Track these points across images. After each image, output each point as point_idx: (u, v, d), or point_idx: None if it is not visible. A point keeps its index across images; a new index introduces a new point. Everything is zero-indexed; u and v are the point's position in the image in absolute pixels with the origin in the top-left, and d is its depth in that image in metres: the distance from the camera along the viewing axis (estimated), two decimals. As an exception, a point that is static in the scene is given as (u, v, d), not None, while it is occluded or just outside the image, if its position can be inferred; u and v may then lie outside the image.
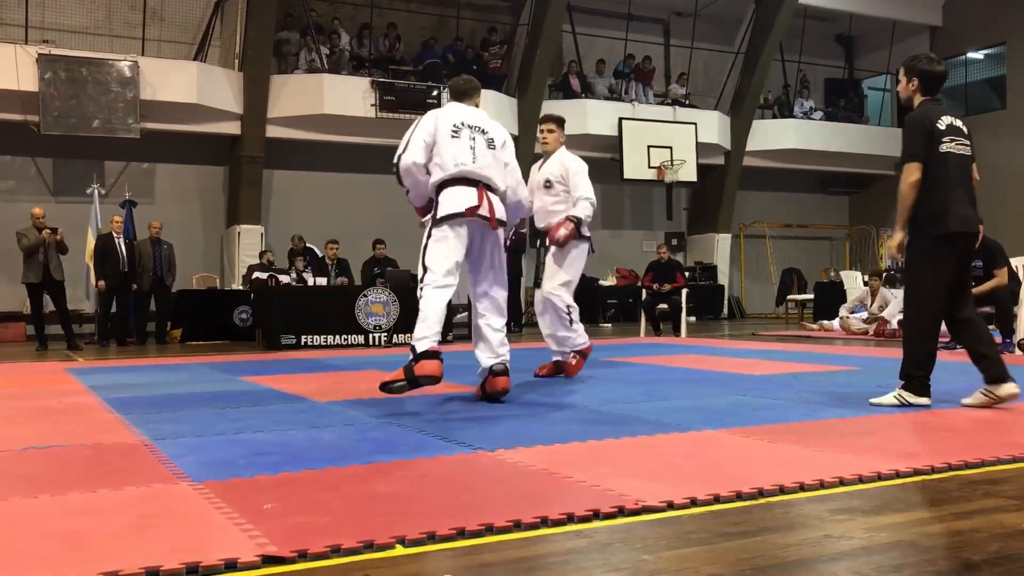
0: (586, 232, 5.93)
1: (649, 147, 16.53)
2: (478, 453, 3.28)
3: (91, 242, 12.07)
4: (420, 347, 4.28)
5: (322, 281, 11.27)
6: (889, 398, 4.36)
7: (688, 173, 16.85)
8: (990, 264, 8.04)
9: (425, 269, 4.49)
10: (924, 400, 4.30)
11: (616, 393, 5.12)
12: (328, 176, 15.41)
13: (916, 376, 4.32)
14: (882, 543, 2.14)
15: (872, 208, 20.00)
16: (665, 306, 11.76)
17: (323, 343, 10.11)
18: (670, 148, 16.64)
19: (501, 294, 4.84)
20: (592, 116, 16.17)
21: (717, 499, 2.54)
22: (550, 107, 15.79)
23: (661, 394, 5.08)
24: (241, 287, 12.67)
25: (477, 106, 4.87)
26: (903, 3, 18.33)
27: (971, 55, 18.53)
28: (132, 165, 14.39)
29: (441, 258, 4.49)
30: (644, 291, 12.06)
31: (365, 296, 10.41)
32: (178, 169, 14.80)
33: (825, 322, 12.60)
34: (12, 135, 13.07)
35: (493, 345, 4.74)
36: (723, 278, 17.90)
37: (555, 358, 6.06)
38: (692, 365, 6.98)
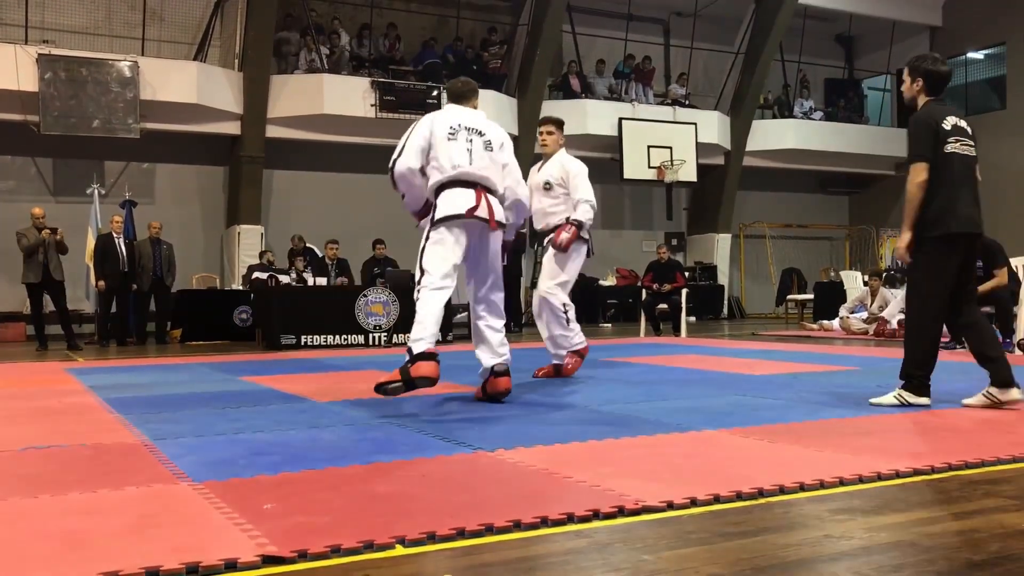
0: (585, 235, 5.93)
1: (649, 147, 16.54)
2: (478, 453, 3.28)
3: (91, 242, 12.07)
4: (417, 348, 4.26)
5: (322, 281, 11.28)
6: (889, 398, 4.36)
7: (688, 173, 16.85)
8: (990, 264, 8.04)
9: (422, 271, 4.48)
10: (924, 400, 4.30)
11: (616, 393, 5.12)
12: (328, 176, 15.41)
13: (916, 376, 4.32)
14: (882, 543, 2.14)
15: (872, 208, 20.01)
16: (665, 306, 11.76)
17: (323, 343, 10.11)
18: (670, 148, 16.65)
19: (500, 296, 4.84)
20: (592, 116, 16.17)
21: (717, 499, 2.54)
22: (550, 107, 15.81)
23: (661, 394, 5.08)
24: (241, 287, 12.67)
25: (475, 108, 4.85)
26: (903, 3, 18.33)
27: (971, 55, 18.53)
28: (132, 165, 14.39)
29: (439, 260, 4.48)
30: (644, 291, 12.06)
31: (365, 296, 10.41)
32: (178, 169, 14.80)
33: (825, 322, 12.60)
34: (12, 135, 13.07)
35: (494, 346, 4.74)
36: (723, 278, 17.90)
37: (555, 361, 6.06)
38: (692, 365, 6.98)
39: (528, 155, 13.52)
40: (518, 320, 13.01)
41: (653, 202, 18.39)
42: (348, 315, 10.26)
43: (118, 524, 2.35)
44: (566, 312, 5.91)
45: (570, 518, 2.35)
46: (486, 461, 3.15)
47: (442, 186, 4.58)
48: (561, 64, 17.07)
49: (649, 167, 16.58)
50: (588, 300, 15.75)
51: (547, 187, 5.99)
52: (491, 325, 4.77)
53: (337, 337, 10.21)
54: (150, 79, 13.01)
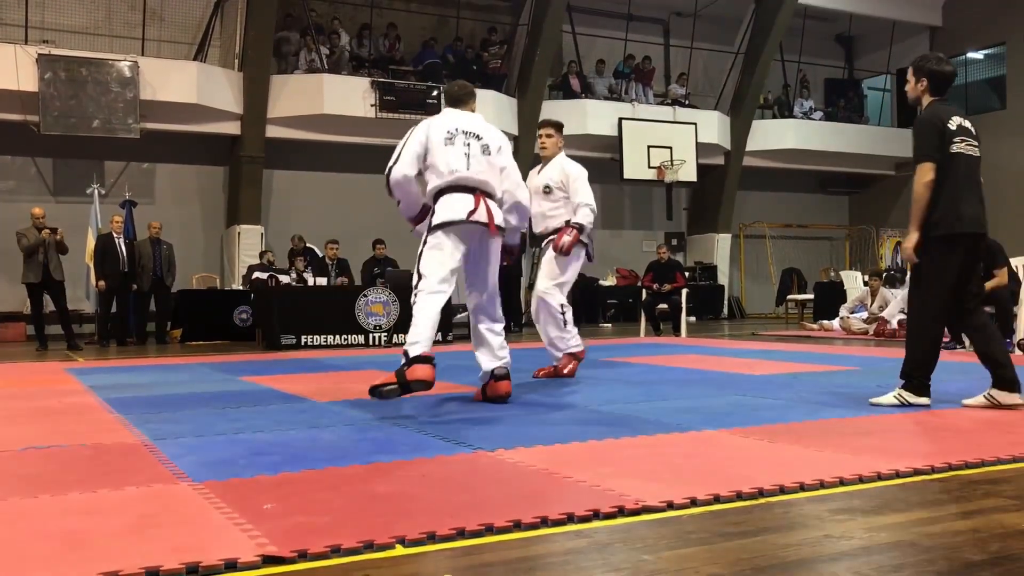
0: (585, 239, 5.92)
1: (649, 147, 16.54)
2: (478, 453, 3.28)
3: (91, 242, 12.07)
4: (413, 351, 4.22)
5: (322, 281, 11.28)
6: (889, 398, 4.36)
7: (688, 173, 16.85)
8: (990, 264, 8.04)
9: (420, 276, 4.45)
10: (924, 400, 4.30)
11: (616, 393, 5.12)
12: (328, 176, 15.41)
13: (916, 376, 4.32)
14: (882, 543, 2.14)
15: (872, 208, 20.01)
16: (665, 306, 11.76)
17: (323, 343, 10.11)
18: (670, 148, 16.65)
19: (498, 300, 4.82)
20: (592, 116, 16.18)
21: (717, 499, 2.54)
22: (550, 107, 15.82)
23: (661, 394, 5.08)
24: (241, 287, 12.67)
25: (473, 111, 4.83)
26: (903, 3, 18.33)
27: (971, 55, 18.53)
28: (132, 165, 14.39)
29: (436, 265, 4.45)
30: (644, 291, 12.06)
31: (365, 296, 10.41)
32: (178, 169, 14.80)
33: (825, 322, 12.61)
34: (12, 135, 13.07)
35: (494, 349, 4.74)
36: (723, 278, 17.91)
37: (555, 363, 6.05)
38: (692, 365, 6.98)
39: (528, 155, 13.52)
40: (518, 320, 13.01)
41: (653, 202, 18.39)
42: (348, 315, 10.26)
43: (118, 524, 2.35)
44: (563, 313, 5.90)
45: (570, 518, 2.35)
46: (486, 461, 3.15)
47: (440, 191, 4.55)
48: (561, 64, 17.07)
49: (649, 167, 16.58)
50: (588, 300, 15.75)
51: (547, 190, 5.99)
52: (491, 328, 4.76)
53: (337, 337, 10.22)
54: (150, 79, 13.01)
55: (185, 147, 14.47)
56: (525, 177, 5.34)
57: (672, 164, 16.61)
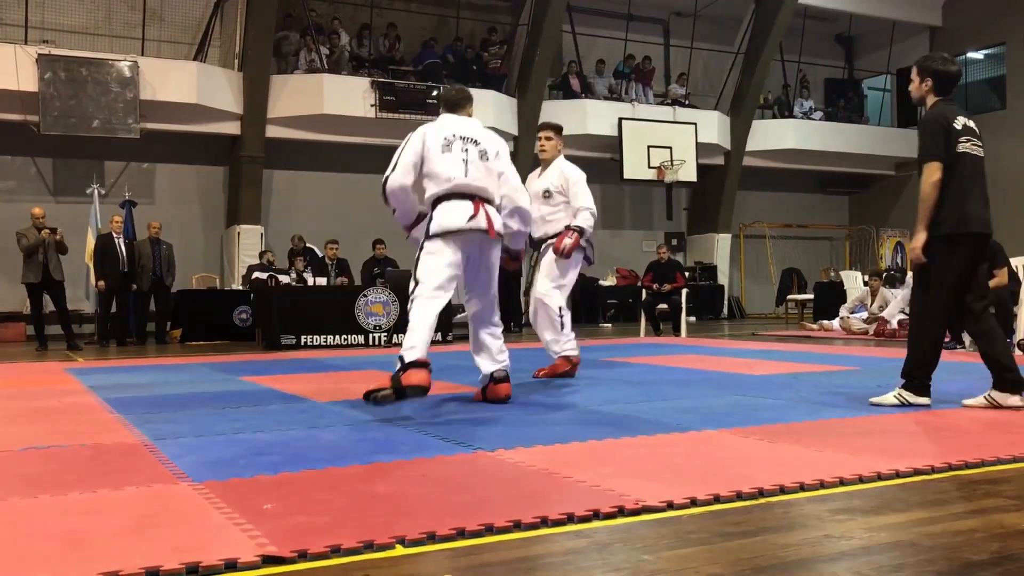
0: (584, 243, 5.91)
1: (649, 147, 16.54)
2: (478, 453, 3.28)
3: (91, 242, 12.07)
4: (408, 356, 4.15)
5: (322, 281, 11.28)
6: (889, 397, 4.36)
7: (688, 173, 16.85)
8: (990, 264, 8.04)
9: (416, 281, 4.41)
10: (924, 400, 4.29)
11: (616, 393, 5.12)
12: (328, 176, 15.41)
13: (917, 376, 4.31)
14: (882, 543, 2.14)
15: (872, 208, 20.01)
16: (665, 306, 11.76)
17: (323, 343, 10.11)
18: (670, 148, 16.64)
19: (496, 304, 4.81)
20: (592, 116, 16.17)
21: (717, 499, 2.54)
22: (550, 107, 15.81)
23: (661, 394, 5.08)
24: (241, 287, 12.67)
25: (470, 116, 4.77)
26: (903, 3, 18.33)
27: (971, 55, 18.53)
28: (132, 165, 14.39)
29: (434, 271, 4.41)
30: (644, 291, 12.06)
31: (365, 296, 10.41)
32: (178, 169, 14.80)
33: (825, 322, 12.61)
34: (12, 135, 13.07)
35: (493, 352, 4.73)
36: (723, 278, 17.91)
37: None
38: (692, 365, 6.98)
39: (529, 155, 13.52)
40: (518, 320, 13.01)
41: (653, 202, 18.39)
42: (348, 315, 10.26)
43: (118, 524, 2.35)
44: (561, 317, 5.87)
45: (570, 518, 2.35)
46: (486, 461, 3.15)
47: (439, 199, 4.50)
48: (561, 64, 17.07)
49: (649, 167, 16.58)
50: (588, 300, 15.75)
51: (546, 195, 5.98)
52: (491, 332, 4.75)
53: (337, 337, 10.22)
54: (150, 79, 13.01)
55: (185, 147, 14.47)
56: (524, 180, 5.31)
57: (672, 164, 16.61)
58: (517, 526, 2.28)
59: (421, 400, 4.44)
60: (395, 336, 10.26)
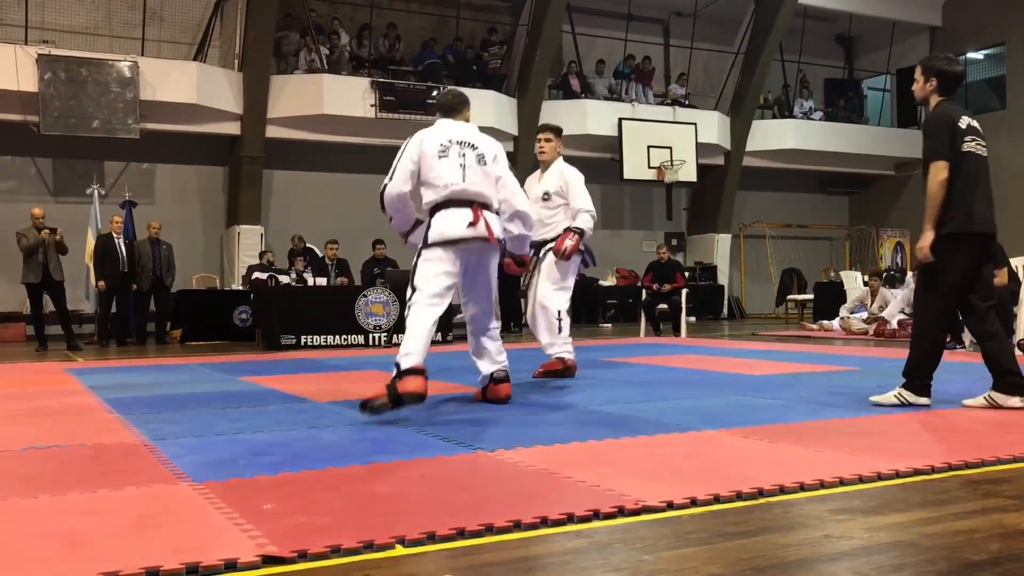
0: (581, 246, 5.90)
1: (649, 147, 16.54)
2: (478, 453, 3.28)
3: (91, 242, 12.07)
4: (405, 363, 4.11)
5: (322, 281, 11.28)
6: (889, 397, 4.35)
7: (688, 173, 16.85)
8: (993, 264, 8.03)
9: (414, 288, 4.37)
10: (924, 400, 4.29)
11: (616, 393, 5.12)
12: (328, 176, 15.41)
13: (918, 376, 4.31)
14: (882, 543, 2.14)
15: (872, 208, 20.01)
16: (665, 306, 11.76)
17: (323, 343, 10.11)
18: (670, 148, 16.64)
19: (493, 308, 4.79)
20: (592, 116, 16.17)
21: (717, 499, 2.54)
22: (550, 107, 15.81)
23: (661, 394, 5.08)
24: (241, 287, 12.67)
25: (467, 120, 4.72)
26: (903, 3, 18.33)
27: (971, 55, 18.53)
28: (132, 165, 14.39)
29: (431, 279, 4.36)
30: (644, 291, 12.06)
31: (365, 296, 10.41)
32: (178, 169, 14.80)
33: (825, 322, 12.60)
34: (12, 135, 13.07)
35: (492, 354, 4.72)
36: (723, 278, 17.90)
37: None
38: (692, 365, 6.98)
39: (528, 154, 13.52)
40: (518, 321, 13.00)
41: (653, 202, 18.39)
42: (348, 315, 10.26)
43: (118, 524, 2.35)
44: (560, 320, 5.84)
45: (570, 518, 2.35)
46: (486, 461, 3.15)
47: (437, 206, 4.45)
48: (561, 64, 17.07)
49: (649, 167, 16.57)
50: (588, 300, 15.75)
51: (546, 197, 5.97)
52: (489, 336, 4.73)
53: (337, 337, 10.22)
54: (150, 79, 13.01)
55: (185, 147, 14.47)
56: (523, 182, 5.29)
57: (672, 164, 16.61)
58: (517, 526, 2.28)
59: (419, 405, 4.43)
60: (395, 336, 10.26)
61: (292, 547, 2.10)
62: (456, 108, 4.72)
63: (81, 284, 12.42)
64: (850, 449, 3.24)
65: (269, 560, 2.04)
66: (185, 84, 13.26)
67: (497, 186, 4.63)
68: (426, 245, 4.42)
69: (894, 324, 10.38)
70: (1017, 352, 7.63)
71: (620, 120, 16.38)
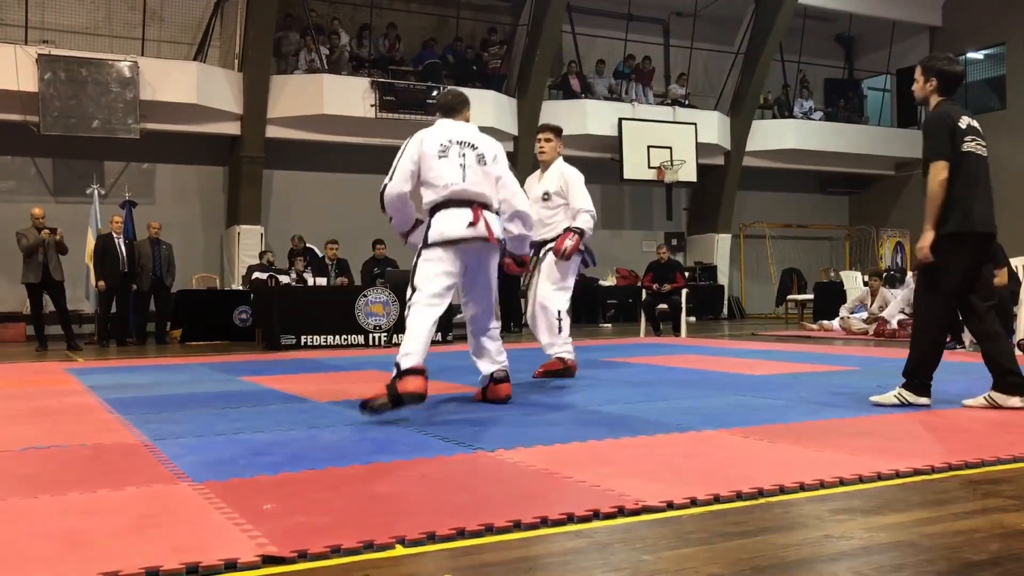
0: (581, 246, 5.90)
1: (649, 147, 16.53)
2: (478, 453, 3.28)
3: (91, 242, 12.08)
4: (405, 363, 4.11)
5: (322, 281, 11.28)
6: (889, 396, 4.35)
7: (688, 173, 16.85)
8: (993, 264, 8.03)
9: (414, 288, 4.36)
10: (924, 400, 4.29)
11: (616, 393, 5.12)
12: (328, 176, 15.41)
13: (918, 376, 4.31)
14: (882, 543, 2.14)
15: (872, 208, 20.01)
16: (665, 306, 11.75)
17: (323, 343, 10.11)
18: (670, 148, 16.64)
19: (493, 308, 4.78)
20: (592, 116, 16.17)
21: (717, 499, 2.54)
22: (550, 107, 15.81)
23: (661, 394, 5.08)
24: (241, 287, 12.67)
25: (467, 120, 4.71)
26: (903, 3, 18.33)
27: (971, 55, 18.53)
28: (132, 165, 14.39)
29: (432, 279, 4.35)
30: (644, 291, 12.06)
31: (365, 296, 10.42)
32: (178, 169, 14.80)
33: (825, 322, 12.60)
34: (12, 135, 13.07)
35: (492, 354, 4.72)
36: (723, 278, 17.90)
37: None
38: (692, 365, 6.98)
39: (528, 155, 13.52)
40: (518, 320, 13.00)
41: (653, 202, 18.39)
42: (348, 315, 10.26)
43: (118, 524, 2.35)
44: (560, 320, 5.82)
45: (570, 518, 2.35)
46: (486, 461, 3.15)
47: (437, 206, 4.44)
48: (561, 64, 17.06)
49: (649, 167, 16.57)
50: (588, 300, 15.75)
51: (546, 197, 5.96)
52: (488, 336, 4.72)
53: (337, 337, 10.22)
54: (150, 79, 13.00)
55: (185, 147, 14.47)
56: (523, 183, 5.27)
57: (672, 164, 16.61)
58: (517, 526, 2.28)
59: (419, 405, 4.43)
60: (395, 336, 10.26)
61: (292, 547, 2.10)
62: (456, 108, 4.70)
63: (81, 284, 12.42)
64: (850, 449, 3.24)
65: (269, 560, 2.04)
66: (185, 84, 13.26)
67: (497, 186, 4.62)
68: (426, 245, 4.41)
69: (894, 324, 10.38)
70: (1017, 352, 7.65)
71: (620, 120, 16.38)
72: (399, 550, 2.12)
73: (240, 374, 6.74)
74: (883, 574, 1.92)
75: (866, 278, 12.54)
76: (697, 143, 16.85)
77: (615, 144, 16.36)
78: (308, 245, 13.17)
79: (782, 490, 2.64)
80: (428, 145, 4.45)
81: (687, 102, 17.59)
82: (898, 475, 2.83)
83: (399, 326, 10.28)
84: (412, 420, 4.11)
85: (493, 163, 4.60)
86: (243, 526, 2.30)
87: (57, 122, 12.53)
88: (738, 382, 5.63)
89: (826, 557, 2.04)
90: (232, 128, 14.10)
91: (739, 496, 2.57)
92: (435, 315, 4.32)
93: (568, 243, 5.76)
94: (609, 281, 16.75)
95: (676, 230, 18.58)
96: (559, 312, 5.84)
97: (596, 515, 2.38)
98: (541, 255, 5.96)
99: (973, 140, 4.26)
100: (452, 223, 4.40)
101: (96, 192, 12.73)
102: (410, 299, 4.36)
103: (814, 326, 13.01)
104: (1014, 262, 8.61)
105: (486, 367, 4.73)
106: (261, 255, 13.11)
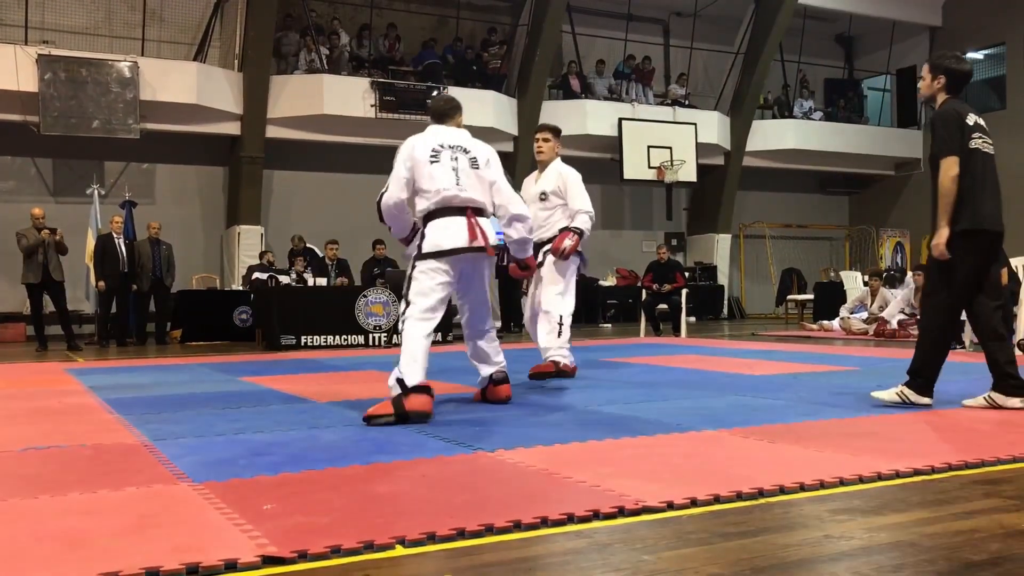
0: (579, 247, 5.89)
1: (649, 147, 16.53)
2: (478, 453, 3.28)
3: (91, 242, 12.08)
4: (410, 381, 4.08)
5: (322, 281, 11.28)
6: (891, 394, 4.34)
7: (688, 173, 16.85)
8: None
9: (408, 303, 4.30)
10: (926, 400, 4.28)
11: (616, 393, 5.12)
12: (328, 176, 15.40)
13: (923, 375, 4.30)
14: (882, 543, 2.14)
15: (872, 208, 20.01)
16: (665, 306, 11.76)
17: (323, 343, 10.11)
18: (670, 148, 16.64)
19: (489, 310, 4.77)
20: (592, 116, 16.17)
21: (717, 499, 2.54)
22: (550, 107, 15.81)
23: (661, 395, 5.08)
24: (241, 287, 12.67)
25: (459, 126, 4.66)
26: (903, 3, 18.33)
27: (971, 55, 18.52)
28: (132, 165, 14.39)
29: (425, 293, 4.29)
30: (644, 291, 12.06)
31: (365, 296, 10.42)
32: (178, 169, 14.80)
33: (825, 322, 12.60)
34: (12, 135, 13.07)
35: (490, 356, 4.72)
36: (723, 278, 17.90)
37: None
38: (692, 365, 6.98)
39: (528, 155, 13.47)
40: (518, 321, 13.01)
41: (653, 202, 18.38)
42: (348, 315, 10.26)
43: (118, 524, 2.35)
44: (561, 325, 5.78)
45: (570, 518, 2.35)
46: (486, 461, 3.15)
47: (430, 214, 4.37)
48: (561, 64, 17.06)
49: (649, 167, 16.57)
50: (588, 300, 15.75)
51: (543, 197, 5.95)
52: (486, 338, 4.71)
53: (337, 337, 10.22)
54: (150, 79, 13.00)
55: (185, 147, 14.47)
56: (521, 185, 5.25)
57: (672, 164, 16.61)
58: (517, 526, 2.28)
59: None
60: (395, 336, 10.26)
61: (292, 547, 2.10)
62: (447, 114, 4.65)
63: (81, 284, 12.43)
64: (850, 449, 3.24)
65: (269, 560, 2.04)
66: (185, 84, 13.25)
67: (492, 191, 4.55)
68: (420, 256, 4.34)
69: (894, 324, 10.38)
70: (1017, 352, 7.65)
71: (620, 120, 16.37)
72: (399, 550, 2.12)
73: (240, 374, 6.75)
74: (883, 574, 1.92)
75: (866, 278, 12.54)
76: (697, 143, 16.85)
77: (615, 144, 16.36)
78: (308, 245, 13.17)
79: (782, 490, 2.64)
80: (419, 151, 4.39)
81: (687, 102, 17.59)
82: (898, 475, 2.83)
83: (399, 327, 10.27)
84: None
85: (486, 167, 4.52)
86: (243, 526, 2.30)
87: (57, 122, 12.53)
88: (738, 382, 5.63)
89: (826, 557, 2.04)
90: (232, 128, 14.10)
91: (739, 496, 2.57)
92: (430, 328, 4.29)
93: (567, 242, 5.74)
94: (609, 281, 16.75)
95: (676, 230, 18.58)
96: (561, 317, 5.81)
97: (596, 515, 2.38)
98: (540, 257, 5.94)
99: (980, 137, 4.25)
100: (447, 234, 4.32)
101: (96, 192, 12.73)
102: (404, 313, 4.30)
103: (814, 326, 13.01)
104: (1014, 262, 8.62)
105: (485, 369, 4.73)
106: (261, 255, 13.11)
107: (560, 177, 5.95)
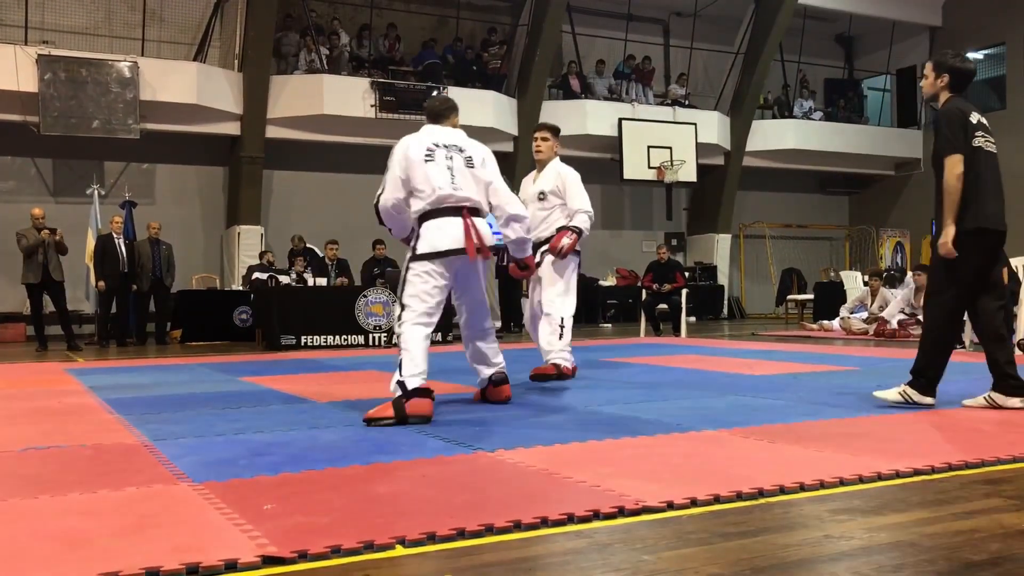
0: (577, 247, 5.89)
1: (649, 147, 16.54)
2: (478, 453, 3.28)
3: (91, 243, 12.08)
4: (411, 384, 4.07)
5: (322, 281, 11.28)
6: (893, 393, 4.33)
7: (688, 173, 16.85)
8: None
9: (403, 306, 4.28)
10: (928, 400, 4.27)
11: (616, 394, 5.12)
12: (328, 176, 15.41)
13: (924, 375, 4.29)
14: (882, 543, 2.14)
15: (872, 208, 20.01)
16: (665, 306, 11.76)
17: (323, 343, 10.11)
18: (670, 148, 16.65)
19: (487, 309, 4.75)
20: (592, 116, 16.17)
21: (717, 499, 2.54)
22: (550, 107, 15.81)
23: (661, 395, 5.08)
24: (241, 287, 12.67)
25: (455, 127, 4.63)
26: (903, 3, 18.33)
27: (971, 55, 18.50)
28: (132, 165, 14.39)
29: (421, 296, 4.27)
30: (644, 291, 12.06)
31: (365, 296, 10.42)
32: (178, 169, 14.80)
33: (825, 322, 12.60)
34: (12, 135, 13.07)
35: (489, 357, 4.71)
36: (723, 278, 17.91)
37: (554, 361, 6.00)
38: (692, 365, 6.97)
39: (528, 154, 13.46)
40: (518, 320, 13.00)
41: (653, 202, 18.39)
42: (348, 315, 10.26)
43: (118, 524, 2.35)
44: (562, 327, 5.77)
45: (570, 518, 2.35)
46: (486, 461, 3.15)
47: (425, 215, 4.34)
48: (561, 64, 17.07)
49: (649, 167, 16.58)
50: (588, 300, 15.75)
51: (541, 196, 5.94)
52: (484, 339, 4.70)
53: (337, 337, 10.22)
54: (150, 79, 13.01)
55: (185, 147, 14.47)
56: (519, 185, 5.23)
57: (672, 164, 16.61)
58: (517, 526, 2.28)
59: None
60: (395, 337, 10.25)
61: (292, 547, 2.10)
62: (443, 114, 4.63)
63: (81, 284, 12.43)
64: (850, 449, 3.24)
65: (269, 560, 2.04)
66: (185, 84, 13.26)
67: (488, 192, 4.52)
68: (415, 257, 4.31)
69: (894, 324, 10.38)
70: (1017, 352, 7.65)
71: (620, 120, 16.38)
72: (399, 550, 2.12)
73: (240, 374, 6.74)
74: (883, 574, 1.92)
75: (866, 278, 12.54)
76: (697, 143, 16.85)
77: (615, 144, 16.36)
78: (308, 245, 13.17)
79: (782, 490, 2.64)
80: (414, 151, 4.36)
81: (687, 102, 17.59)
82: (898, 475, 2.83)
83: (395, 330, 10.26)
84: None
85: (482, 167, 4.49)
86: (243, 526, 2.30)
87: (57, 122, 12.54)
88: (738, 382, 5.63)
89: (826, 557, 2.04)
90: (232, 128, 14.11)
91: (739, 496, 2.57)
92: (428, 331, 4.28)
93: (565, 241, 5.73)
94: (609, 281, 16.75)
95: (676, 230, 18.58)
96: (563, 319, 5.80)
97: (596, 515, 2.38)
98: (538, 256, 5.93)
99: (983, 136, 4.25)
100: (442, 235, 4.29)
101: (96, 192, 12.73)
102: (400, 317, 4.29)
103: (814, 326, 13.01)
104: (1014, 262, 8.61)
105: (484, 370, 4.72)
106: (261, 255, 13.11)
107: (559, 177, 5.93)
